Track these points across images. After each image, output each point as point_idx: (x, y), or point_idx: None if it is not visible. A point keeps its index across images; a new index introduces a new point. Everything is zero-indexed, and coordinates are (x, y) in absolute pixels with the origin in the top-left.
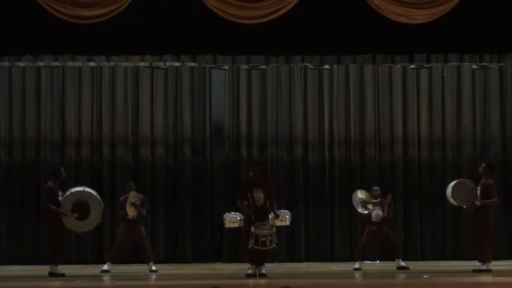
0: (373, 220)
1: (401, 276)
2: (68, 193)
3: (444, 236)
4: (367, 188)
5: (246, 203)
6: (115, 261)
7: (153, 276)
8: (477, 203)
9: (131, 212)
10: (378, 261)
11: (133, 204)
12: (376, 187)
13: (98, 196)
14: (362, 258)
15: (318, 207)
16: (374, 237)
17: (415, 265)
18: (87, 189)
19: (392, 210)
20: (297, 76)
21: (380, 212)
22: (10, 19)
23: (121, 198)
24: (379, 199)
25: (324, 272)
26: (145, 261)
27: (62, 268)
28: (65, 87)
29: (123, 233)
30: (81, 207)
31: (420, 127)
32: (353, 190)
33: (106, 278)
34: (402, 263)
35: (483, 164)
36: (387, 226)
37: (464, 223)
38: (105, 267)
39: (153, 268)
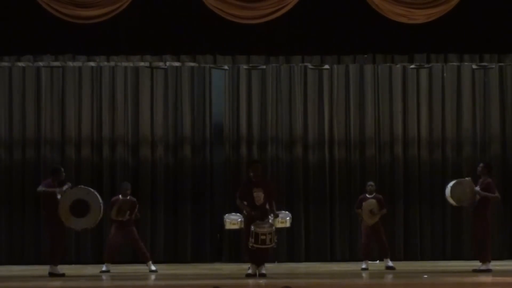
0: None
1: (402, 276)
2: (65, 188)
3: (444, 236)
4: (363, 183)
5: (245, 202)
6: (112, 261)
7: (153, 276)
8: (478, 189)
9: (120, 216)
10: (378, 261)
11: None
12: (370, 182)
13: (96, 193)
14: (367, 257)
15: (318, 207)
16: (370, 234)
17: (415, 265)
18: (85, 187)
19: (383, 206)
20: (297, 76)
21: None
22: (10, 19)
23: (113, 198)
24: (374, 194)
25: (324, 272)
26: (143, 261)
27: (62, 268)
28: (65, 87)
29: (114, 234)
30: (80, 204)
31: (420, 127)
32: (353, 190)
33: (106, 278)
34: (390, 263)
35: (481, 164)
36: (380, 222)
37: (464, 223)
38: (104, 267)
39: (153, 268)
